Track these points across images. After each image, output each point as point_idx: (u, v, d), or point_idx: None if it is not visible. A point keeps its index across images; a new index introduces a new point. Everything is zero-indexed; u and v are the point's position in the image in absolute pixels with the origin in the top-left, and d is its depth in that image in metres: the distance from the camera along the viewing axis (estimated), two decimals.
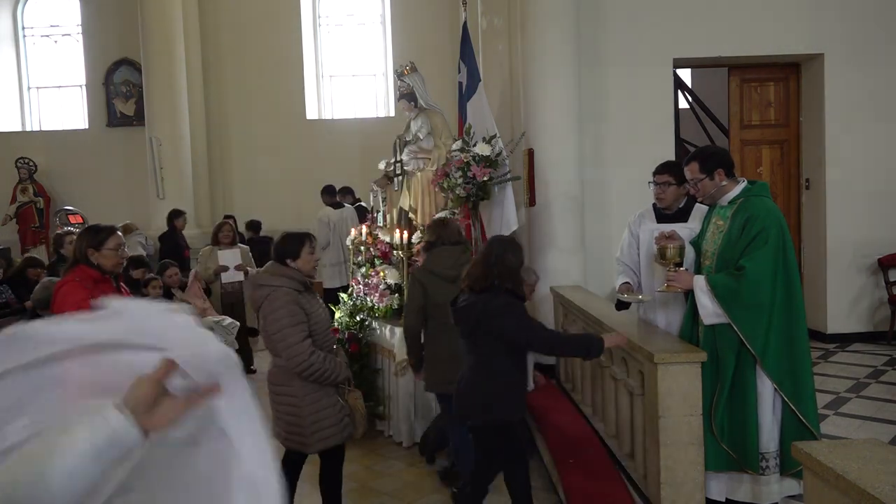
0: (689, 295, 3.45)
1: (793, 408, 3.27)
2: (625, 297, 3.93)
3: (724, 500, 3.45)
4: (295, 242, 3.40)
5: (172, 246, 8.29)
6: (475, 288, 3.22)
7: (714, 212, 3.53)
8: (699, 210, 3.86)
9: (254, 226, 9.29)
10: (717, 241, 3.44)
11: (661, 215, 3.97)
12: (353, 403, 3.48)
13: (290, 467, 3.46)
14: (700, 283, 3.32)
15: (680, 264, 3.48)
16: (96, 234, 3.35)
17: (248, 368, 7.13)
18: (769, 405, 3.32)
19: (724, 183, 3.42)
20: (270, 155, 11.05)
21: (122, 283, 3.52)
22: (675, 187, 3.86)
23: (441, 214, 5.41)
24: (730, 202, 3.43)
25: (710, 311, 3.29)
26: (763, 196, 3.38)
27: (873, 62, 6.97)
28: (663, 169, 3.92)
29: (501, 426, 3.27)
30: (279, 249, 3.40)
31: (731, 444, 3.34)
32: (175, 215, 8.60)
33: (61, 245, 6.58)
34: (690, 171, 3.49)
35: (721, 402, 3.34)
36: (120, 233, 3.43)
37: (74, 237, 6.78)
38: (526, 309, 3.28)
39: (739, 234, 3.30)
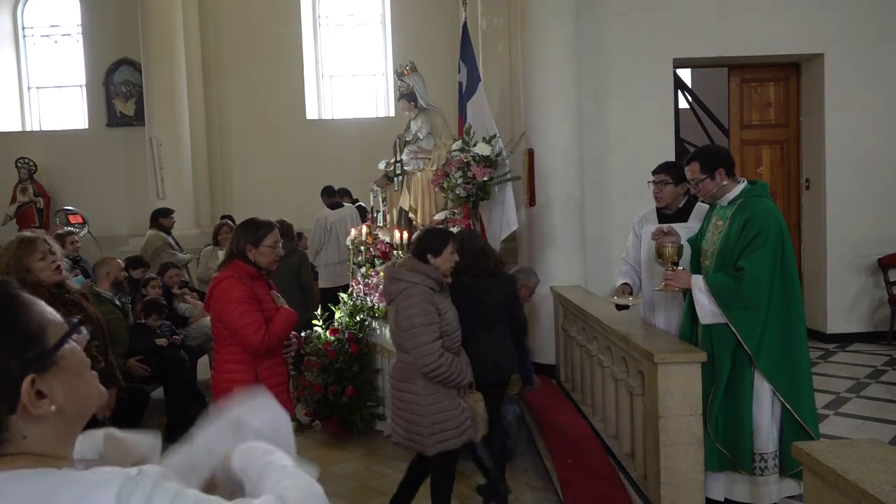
0: (688, 294, 3.46)
1: (790, 408, 3.28)
2: (615, 300, 3.99)
3: (723, 499, 3.45)
4: (439, 239, 3.33)
5: None
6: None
7: (714, 212, 3.53)
8: (699, 210, 3.87)
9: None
10: (716, 242, 3.44)
11: (664, 216, 3.98)
12: (474, 405, 3.41)
13: (418, 470, 3.44)
14: (698, 283, 3.33)
15: (678, 263, 3.49)
16: (256, 230, 3.20)
17: None
18: (768, 406, 3.31)
19: (724, 182, 3.42)
20: (270, 155, 11.04)
21: (271, 281, 3.40)
22: (672, 186, 3.88)
23: (440, 215, 5.42)
24: (730, 202, 3.43)
25: (707, 310, 3.30)
26: (763, 196, 3.38)
27: (873, 62, 6.97)
28: (661, 168, 3.96)
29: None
30: (422, 244, 3.32)
31: (725, 444, 3.34)
32: None
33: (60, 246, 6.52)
34: (691, 171, 3.48)
35: (716, 402, 3.34)
36: (277, 229, 3.30)
37: (76, 237, 6.79)
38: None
39: (738, 234, 3.30)
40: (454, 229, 5.04)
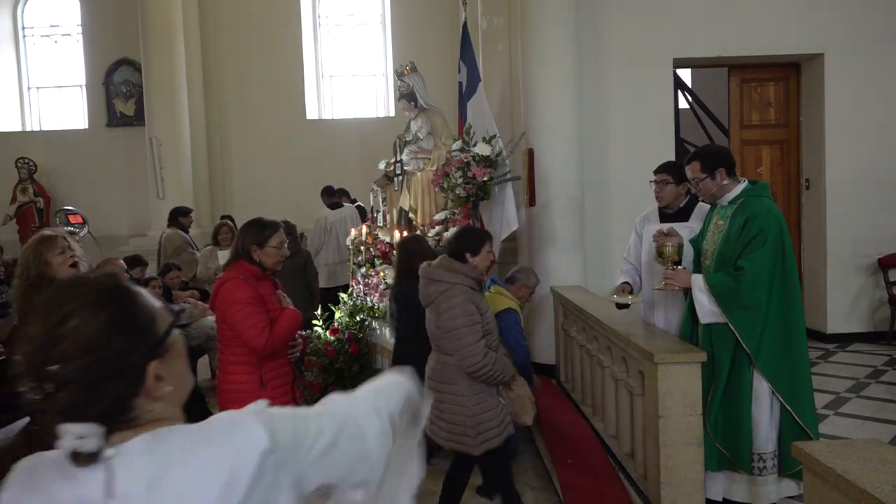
0: (688, 294, 3.46)
1: (789, 408, 3.28)
2: (615, 299, 4.00)
3: (721, 499, 3.45)
4: (477, 239, 3.30)
5: None
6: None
7: (715, 211, 3.53)
8: (700, 209, 3.87)
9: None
10: (716, 241, 3.44)
11: (665, 216, 3.98)
12: (520, 391, 3.38)
13: (460, 473, 3.41)
14: (698, 283, 3.33)
15: (678, 263, 3.49)
16: (261, 231, 3.16)
17: None
18: (766, 406, 3.31)
19: (725, 182, 3.42)
20: (270, 155, 11.05)
21: (277, 281, 3.37)
22: (673, 186, 3.89)
23: (441, 215, 5.43)
24: (730, 202, 3.43)
25: (707, 310, 3.30)
26: (763, 196, 3.38)
27: (873, 62, 6.97)
28: (662, 168, 3.97)
29: None
30: (460, 243, 3.28)
31: (724, 444, 3.34)
32: None
33: None
34: (692, 170, 3.49)
35: (716, 401, 3.35)
36: (283, 229, 3.28)
37: (76, 237, 6.79)
38: None
39: (738, 233, 3.30)
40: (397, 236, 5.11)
